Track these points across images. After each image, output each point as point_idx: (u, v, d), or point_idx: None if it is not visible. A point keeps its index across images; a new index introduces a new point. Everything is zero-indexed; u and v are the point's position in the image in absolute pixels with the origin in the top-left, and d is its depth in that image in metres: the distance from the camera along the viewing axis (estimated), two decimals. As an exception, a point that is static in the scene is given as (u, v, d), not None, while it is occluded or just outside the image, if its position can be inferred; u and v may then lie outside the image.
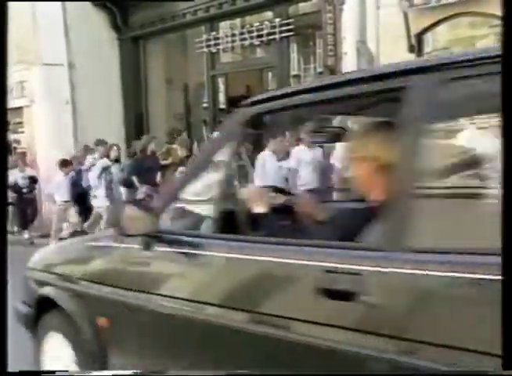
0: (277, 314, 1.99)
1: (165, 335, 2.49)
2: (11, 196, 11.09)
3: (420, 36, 7.40)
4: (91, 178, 9.54)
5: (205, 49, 10.84)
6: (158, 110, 12.44)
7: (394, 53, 7.48)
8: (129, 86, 12.24)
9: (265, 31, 9.78)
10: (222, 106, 11.53)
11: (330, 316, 1.84)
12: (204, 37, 10.82)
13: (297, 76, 10.57)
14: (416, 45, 7.39)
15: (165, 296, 2.42)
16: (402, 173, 1.83)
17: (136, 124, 12.26)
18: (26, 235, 11.09)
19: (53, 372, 2.97)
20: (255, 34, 9.94)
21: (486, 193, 1.90)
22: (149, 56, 12.35)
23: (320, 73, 10.06)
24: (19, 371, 3.37)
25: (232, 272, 2.24)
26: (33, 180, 11.22)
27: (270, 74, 10.81)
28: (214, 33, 10.71)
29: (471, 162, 2.06)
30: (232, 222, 2.48)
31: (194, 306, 2.27)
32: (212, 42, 10.69)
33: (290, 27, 9.49)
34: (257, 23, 9.97)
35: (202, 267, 2.36)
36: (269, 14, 9.96)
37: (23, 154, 12.19)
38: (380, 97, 2.06)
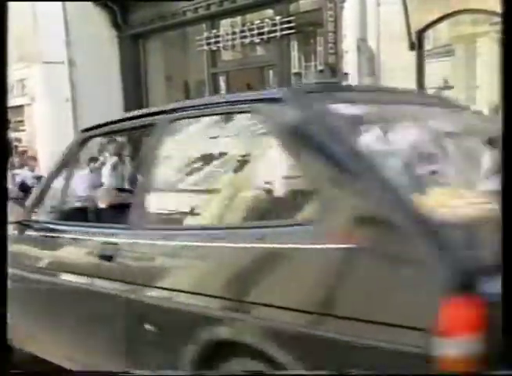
0: (79, 272, 3.08)
1: (30, 298, 3.59)
2: (19, 194, 11.14)
3: (420, 33, 7.39)
4: (104, 176, 9.46)
5: (205, 47, 10.83)
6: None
7: (394, 51, 7.49)
8: (129, 84, 12.22)
9: (265, 29, 9.76)
10: (223, 104, 11.52)
11: (104, 271, 2.87)
12: (205, 35, 10.80)
13: (298, 74, 10.54)
14: (417, 42, 7.37)
15: (33, 268, 3.46)
16: (143, 178, 3.09)
17: (137, 122, 12.24)
18: None
19: (59, 372, 3.26)
20: (256, 31, 9.91)
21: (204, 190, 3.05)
22: (150, 54, 12.34)
23: (321, 71, 10.04)
24: (19, 371, 3.40)
25: (68, 249, 3.33)
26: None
27: (271, 72, 10.79)
28: (214, 31, 10.69)
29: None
30: (83, 214, 3.95)
31: (48, 273, 3.33)
32: (213, 40, 10.67)
33: (291, 24, 9.47)
34: (258, 21, 9.95)
35: (55, 245, 3.40)
36: (270, 12, 9.94)
37: (33, 154, 11.97)
38: (146, 129, 3.20)
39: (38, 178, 10.99)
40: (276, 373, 2.22)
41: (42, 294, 3.50)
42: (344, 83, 6.61)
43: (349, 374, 1.89)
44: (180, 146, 3.09)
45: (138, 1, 11.48)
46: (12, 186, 11.00)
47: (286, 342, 2.09)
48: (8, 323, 3.50)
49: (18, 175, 10.84)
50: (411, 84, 7.38)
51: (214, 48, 10.74)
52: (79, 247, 3.24)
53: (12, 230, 3.63)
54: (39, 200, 3.70)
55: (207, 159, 3.00)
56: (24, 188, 10.96)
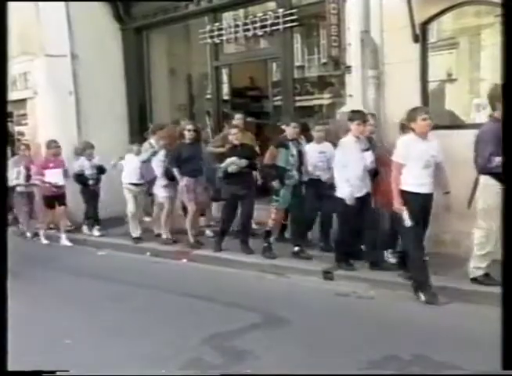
0: None
1: None
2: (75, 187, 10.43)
3: (424, 26, 7.35)
4: (155, 167, 9.20)
5: (208, 40, 10.80)
6: (161, 100, 12.41)
7: (398, 43, 7.45)
8: (132, 77, 12.21)
9: (268, 22, 9.71)
10: (226, 97, 11.51)
11: None
12: (208, 27, 10.77)
13: (301, 67, 10.52)
14: (421, 34, 7.33)
15: None
16: None
17: (139, 114, 12.25)
18: (96, 232, 10.35)
19: (53, 372, 3.06)
20: (259, 24, 9.87)
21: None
22: (153, 47, 12.32)
23: (324, 64, 10.02)
24: (19, 371, 3.38)
25: None
26: (101, 170, 10.31)
27: (274, 64, 10.76)
28: (217, 24, 10.66)
29: None
30: None
31: None
32: (215, 33, 10.64)
33: (294, 17, 9.42)
34: (261, 14, 9.91)
35: None
36: (273, 4, 9.90)
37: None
38: None
39: (97, 168, 10.25)
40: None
41: None
42: None
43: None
44: None
45: (141, -6, 11.48)
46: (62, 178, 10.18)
47: None
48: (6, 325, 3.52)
49: (78, 163, 10.31)
50: (414, 76, 7.36)
51: (217, 41, 10.71)
52: None
53: None
54: None
55: None
56: (82, 180, 10.28)
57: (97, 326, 5.61)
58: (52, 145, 10.24)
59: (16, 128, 12.92)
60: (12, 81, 11.98)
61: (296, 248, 7.65)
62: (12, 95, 11.72)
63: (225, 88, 11.47)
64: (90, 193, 10.40)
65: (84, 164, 10.32)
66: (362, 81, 7.68)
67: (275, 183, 7.55)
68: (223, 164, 8.03)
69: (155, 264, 8.48)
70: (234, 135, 8.15)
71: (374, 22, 7.63)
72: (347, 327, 5.30)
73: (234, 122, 8.84)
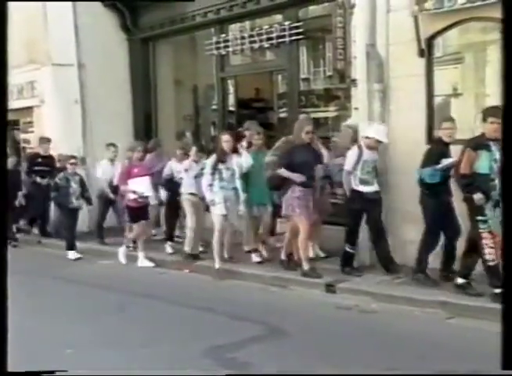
0: None
1: None
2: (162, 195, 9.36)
3: (430, 40, 7.37)
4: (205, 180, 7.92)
5: (214, 51, 10.85)
6: (167, 110, 12.45)
7: (404, 57, 7.48)
8: (138, 87, 12.27)
9: (274, 34, 9.76)
10: (232, 108, 11.54)
11: None
12: (214, 39, 10.83)
13: (306, 79, 10.54)
14: (427, 49, 7.36)
15: None
16: None
17: (145, 124, 12.29)
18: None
19: (53, 372, 3.07)
20: (265, 36, 9.92)
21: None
22: (159, 58, 12.38)
23: (330, 76, 10.04)
24: (18, 372, 3.39)
25: None
26: None
27: (280, 76, 10.79)
28: (223, 35, 10.71)
29: None
30: None
31: None
32: (222, 44, 10.69)
33: (300, 30, 9.47)
34: (267, 26, 9.96)
35: None
36: (279, 17, 9.95)
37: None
38: None
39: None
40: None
41: None
42: None
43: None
44: None
45: (148, 5, 11.54)
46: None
47: None
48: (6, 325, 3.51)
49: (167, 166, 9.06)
50: (420, 90, 7.37)
51: (224, 53, 10.76)
52: None
53: None
54: None
55: None
56: (170, 187, 9.01)
57: (98, 336, 5.61)
58: (137, 147, 8.89)
59: (22, 136, 12.99)
60: (19, 89, 12.07)
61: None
62: (19, 103, 11.80)
63: (231, 100, 11.50)
64: (177, 205, 8.88)
65: (174, 168, 8.90)
66: (367, 95, 7.69)
67: (476, 196, 5.83)
68: (440, 166, 6.34)
69: (158, 274, 8.48)
70: (447, 131, 6.47)
71: (380, 35, 7.65)
72: (349, 341, 5.28)
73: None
